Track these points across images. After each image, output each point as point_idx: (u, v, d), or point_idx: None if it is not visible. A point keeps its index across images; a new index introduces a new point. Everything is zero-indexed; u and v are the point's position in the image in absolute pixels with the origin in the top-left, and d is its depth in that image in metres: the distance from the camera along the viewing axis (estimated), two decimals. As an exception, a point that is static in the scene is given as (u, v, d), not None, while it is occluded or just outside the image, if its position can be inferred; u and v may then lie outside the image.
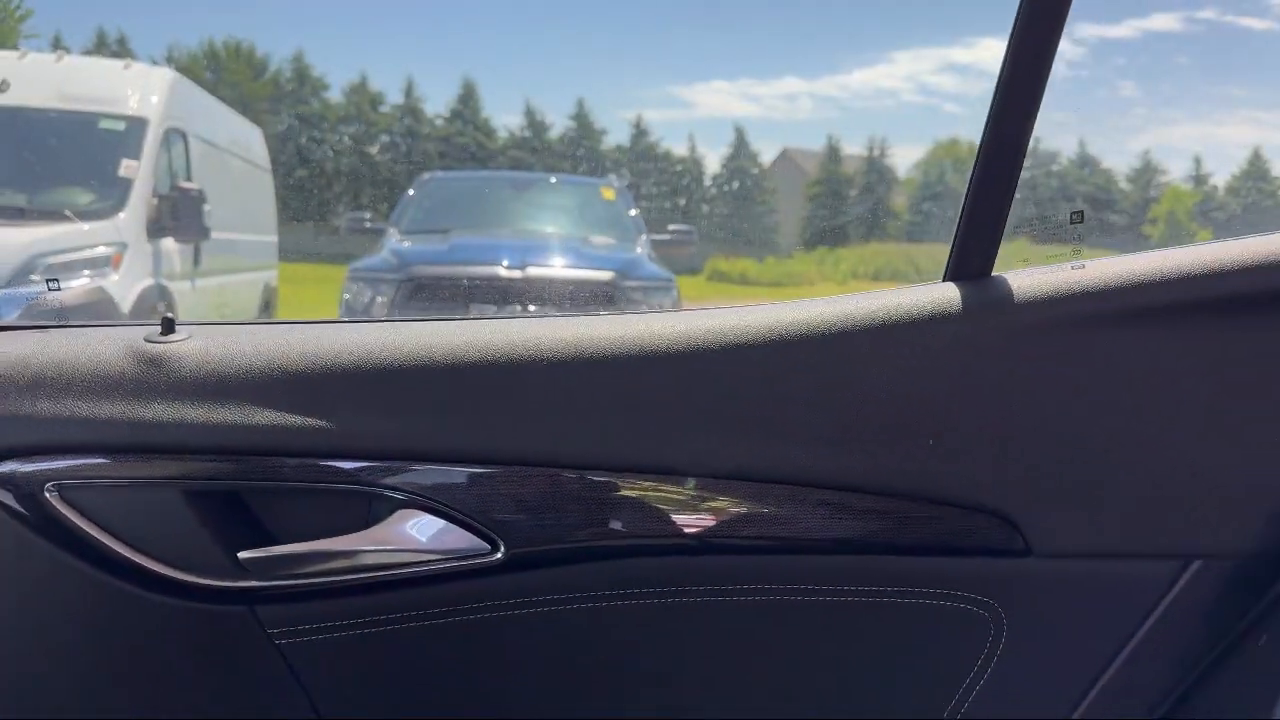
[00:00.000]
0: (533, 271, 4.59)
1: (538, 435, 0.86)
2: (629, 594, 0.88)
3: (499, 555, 0.86)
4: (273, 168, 7.31)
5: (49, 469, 0.85)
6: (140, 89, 5.03)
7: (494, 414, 0.86)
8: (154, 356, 0.87)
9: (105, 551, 0.85)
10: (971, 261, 0.88)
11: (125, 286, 4.40)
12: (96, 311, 4.07)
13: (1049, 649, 0.89)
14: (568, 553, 0.86)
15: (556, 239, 5.39)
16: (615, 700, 0.92)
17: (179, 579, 0.86)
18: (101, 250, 4.36)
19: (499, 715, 0.92)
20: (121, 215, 4.54)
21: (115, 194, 4.59)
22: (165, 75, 5.34)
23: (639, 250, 5.34)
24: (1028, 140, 0.84)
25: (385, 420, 0.86)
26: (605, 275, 4.71)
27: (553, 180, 7.05)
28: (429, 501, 0.85)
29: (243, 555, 0.85)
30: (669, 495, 0.86)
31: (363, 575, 0.86)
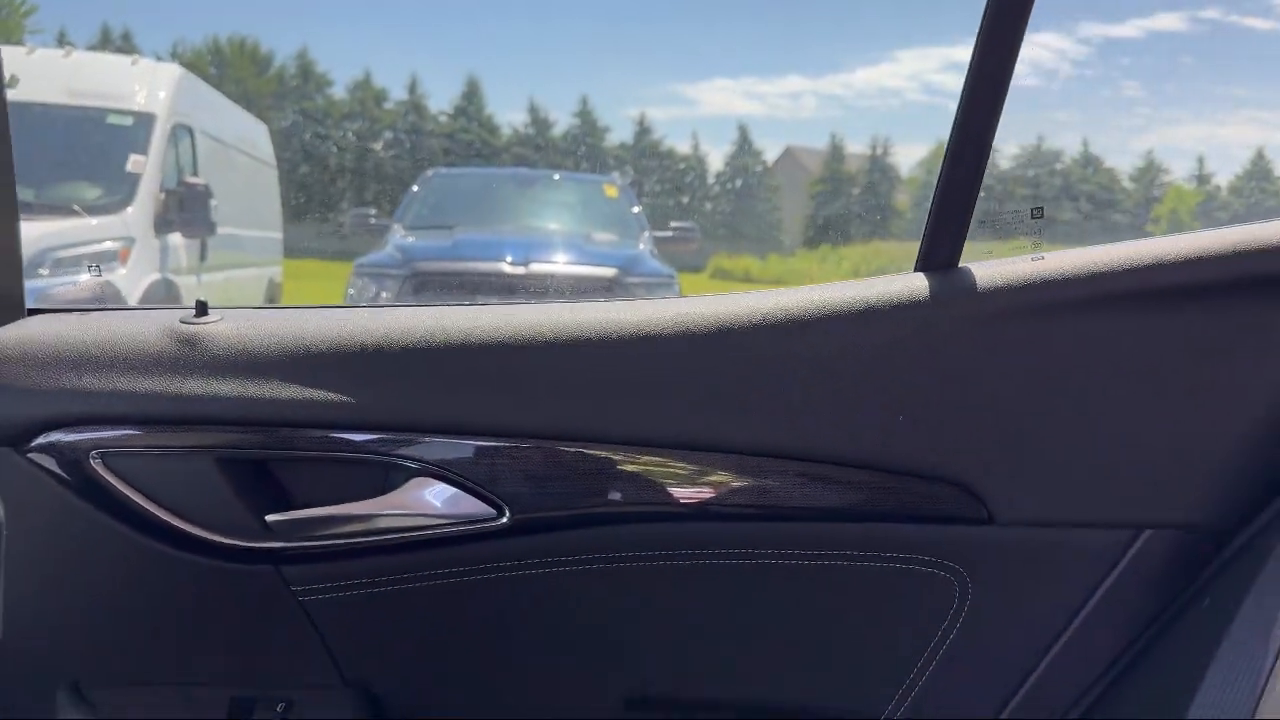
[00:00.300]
0: (536, 267, 4.63)
1: (539, 411, 0.93)
2: (622, 557, 0.95)
3: (504, 520, 0.93)
4: (277, 164, 7.34)
5: (93, 438, 0.92)
6: (148, 85, 5.06)
7: (499, 392, 0.93)
8: (189, 337, 0.94)
9: (144, 514, 0.93)
10: (940, 253, 0.94)
11: (132, 281, 4.44)
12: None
13: (1010, 611, 0.95)
14: (567, 519, 0.93)
15: (559, 235, 5.43)
16: (610, 653, 0.99)
17: (211, 540, 0.93)
18: (109, 245, 4.40)
19: (503, 665, 0.99)
20: (129, 210, 4.57)
21: (123, 189, 4.62)
22: (172, 71, 5.37)
23: (641, 247, 5.39)
24: (991, 140, 0.90)
25: (399, 396, 0.93)
26: (608, 271, 4.76)
27: (556, 177, 7.06)
28: (440, 471, 0.92)
29: (270, 518, 0.93)
30: (659, 467, 0.92)
31: (379, 538, 0.94)
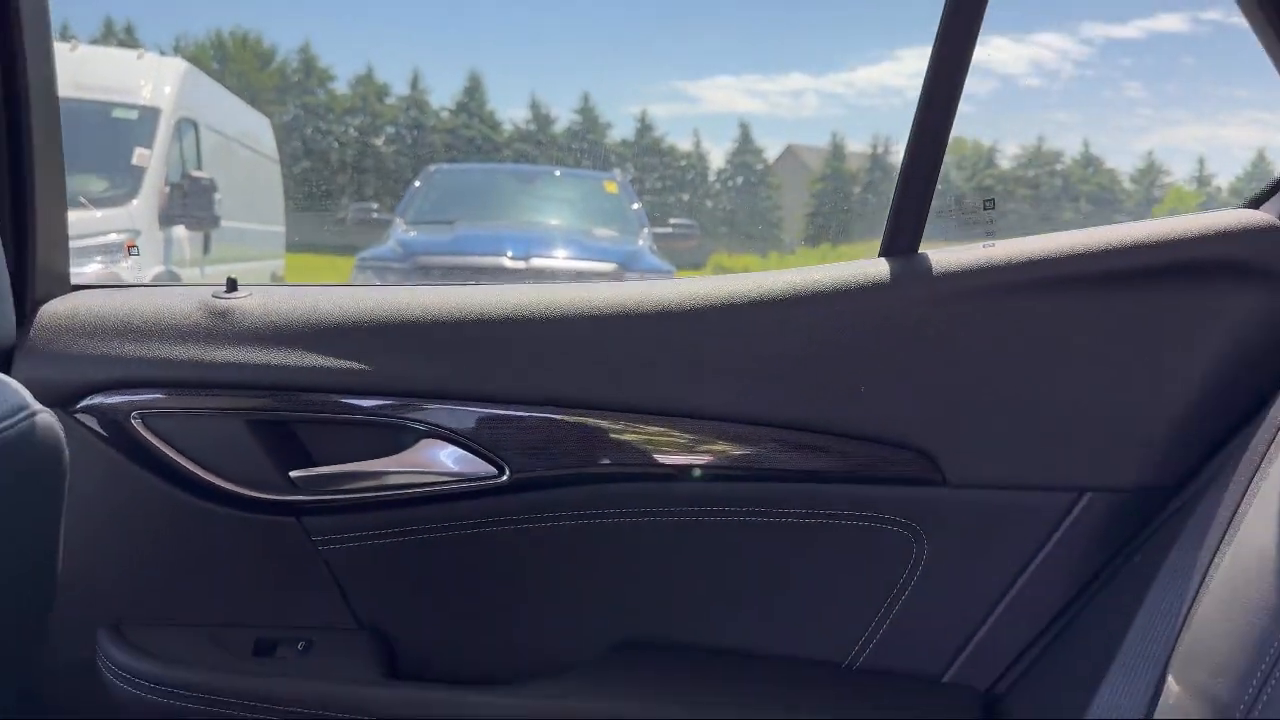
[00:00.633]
0: (536, 262, 4.69)
1: (537, 380, 1.02)
2: (611, 512, 1.04)
3: (504, 478, 1.02)
4: (279, 158, 7.37)
5: (134, 400, 1.02)
6: (153, 79, 5.10)
7: (498, 363, 1.02)
8: (221, 310, 1.04)
9: (179, 470, 1.03)
10: (901, 241, 1.03)
11: (137, 272, 4.50)
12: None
13: (963, 565, 1.03)
14: (561, 478, 1.03)
15: (560, 231, 5.48)
16: (600, 600, 1.08)
17: (239, 493, 1.03)
18: (114, 237, 4.46)
19: (503, 610, 1.08)
20: (134, 203, 4.60)
21: (128, 182, 4.65)
22: (178, 65, 5.41)
23: (641, 243, 5.44)
24: (946, 139, 0.99)
25: (410, 366, 1.02)
26: (607, 267, 4.81)
27: (557, 173, 7.09)
28: (446, 433, 1.02)
29: (293, 474, 1.02)
30: (645, 432, 1.01)
31: (391, 493, 1.03)
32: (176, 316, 1.04)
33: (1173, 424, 0.98)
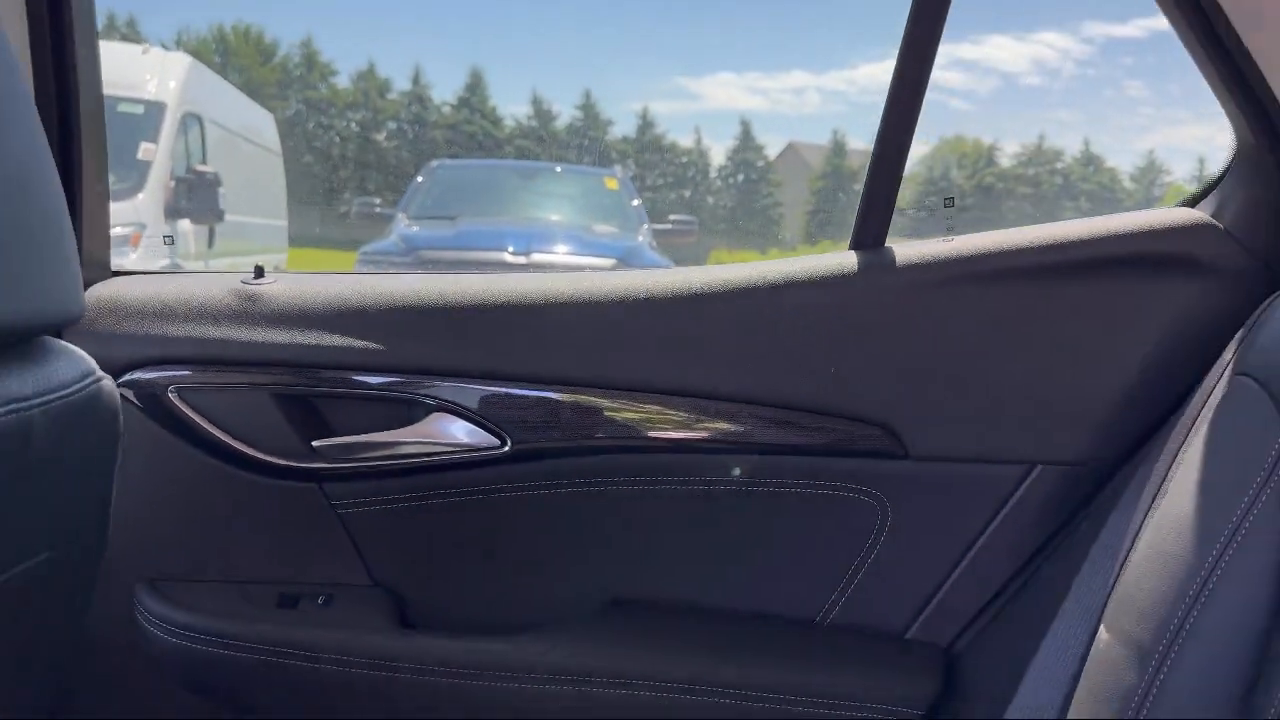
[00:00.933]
0: (537, 257, 4.73)
1: (537, 361, 1.11)
2: (604, 481, 1.13)
3: (506, 449, 1.11)
4: (282, 152, 7.42)
5: (171, 376, 1.12)
6: (158, 74, 5.15)
7: (505, 344, 1.11)
8: (250, 294, 1.14)
9: (212, 439, 1.13)
10: (868, 234, 1.12)
11: (142, 265, 4.57)
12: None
13: (924, 532, 1.12)
14: (558, 449, 1.12)
15: (560, 227, 5.53)
16: (595, 561, 1.17)
17: (266, 460, 1.13)
18: (120, 230, 4.54)
19: (505, 570, 1.18)
20: (140, 196, 4.66)
21: (134, 176, 4.70)
22: (183, 60, 5.46)
23: (640, 239, 5.49)
24: (910, 139, 1.07)
25: (422, 347, 1.12)
26: (607, 262, 4.84)
27: (558, 169, 7.10)
28: (454, 407, 1.11)
29: (315, 443, 1.12)
30: (636, 408, 1.11)
31: (404, 461, 1.13)
32: (209, 300, 1.14)
33: (1114, 404, 1.06)
